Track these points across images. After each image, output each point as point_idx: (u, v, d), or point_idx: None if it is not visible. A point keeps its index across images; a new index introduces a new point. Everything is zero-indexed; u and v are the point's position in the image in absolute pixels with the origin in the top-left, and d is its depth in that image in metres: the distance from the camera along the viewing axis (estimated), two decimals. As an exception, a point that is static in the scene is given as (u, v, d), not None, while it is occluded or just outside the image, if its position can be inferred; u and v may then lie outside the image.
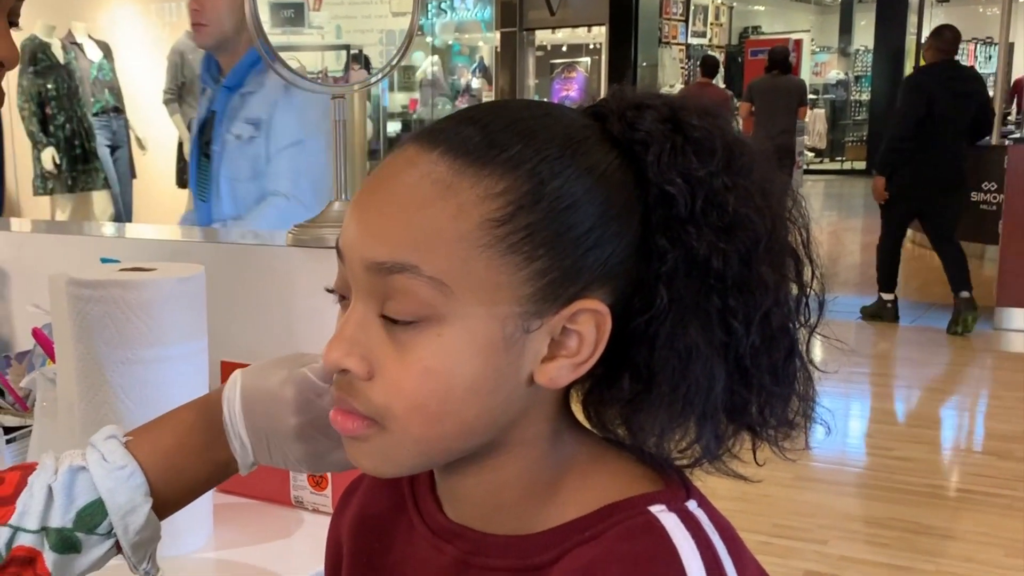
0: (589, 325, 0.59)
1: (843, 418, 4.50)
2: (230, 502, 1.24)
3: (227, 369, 1.34)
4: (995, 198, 7.17)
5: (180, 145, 6.51)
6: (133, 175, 6.80)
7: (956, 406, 4.59)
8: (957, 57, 5.74)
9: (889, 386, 4.84)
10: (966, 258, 5.55)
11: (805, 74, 14.00)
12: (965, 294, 5.49)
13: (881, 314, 5.87)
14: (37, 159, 6.04)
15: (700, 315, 0.59)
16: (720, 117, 0.63)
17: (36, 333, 1.39)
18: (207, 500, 1.17)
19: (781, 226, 0.62)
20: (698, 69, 9.96)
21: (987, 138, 6.97)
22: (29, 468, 0.69)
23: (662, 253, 0.60)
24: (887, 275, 5.86)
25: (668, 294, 0.59)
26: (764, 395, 0.62)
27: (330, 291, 0.64)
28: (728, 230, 0.59)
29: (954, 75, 5.44)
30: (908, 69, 13.74)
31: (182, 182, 6.61)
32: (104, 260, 1.37)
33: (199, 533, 1.16)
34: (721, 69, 9.70)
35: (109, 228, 2.15)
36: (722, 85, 10.50)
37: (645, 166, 0.60)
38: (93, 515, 0.68)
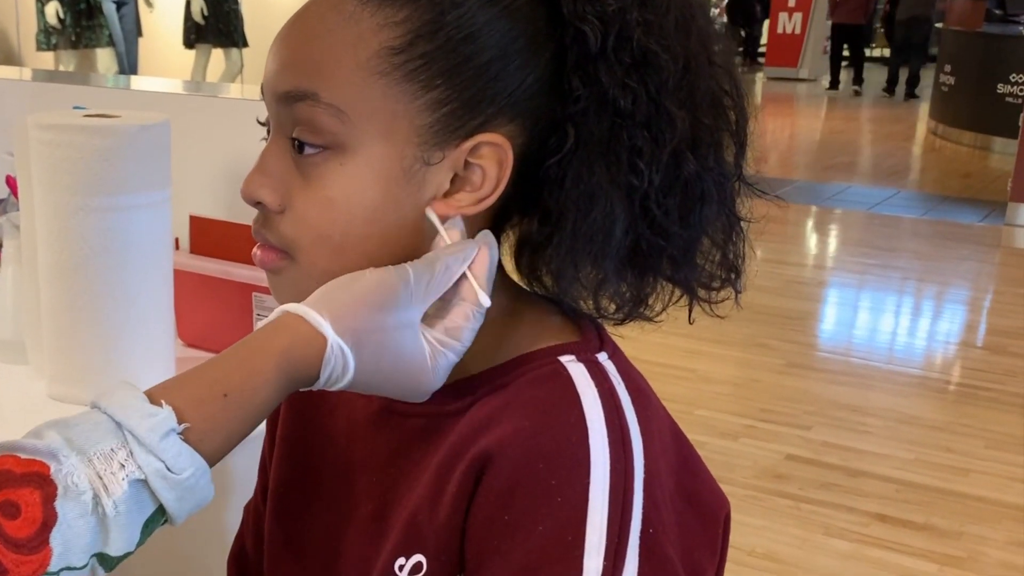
0: (491, 160, 0.59)
1: (841, 307, 4.51)
2: (192, 356, 1.24)
3: (196, 224, 1.33)
4: (1022, 91, 7.08)
5: (188, 3, 6.36)
6: (139, 33, 6.65)
7: (958, 300, 4.58)
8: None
9: (891, 278, 4.82)
10: None
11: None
12: None
13: None
14: (41, 13, 5.89)
15: (608, 155, 0.59)
16: None
17: (9, 181, 1.38)
18: (170, 352, 1.17)
19: (698, 69, 0.60)
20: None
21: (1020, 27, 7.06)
22: (45, 483, 0.51)
23: (575, 93, 0.59)
24: None
25: (576, 134, 0.59)
26: (674, 242, 0.61)
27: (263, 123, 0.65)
28: (637, 67, 0.58)
29: None
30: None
31: (188, 42, 6.49)
32: (76, 108, 1.35)
33: (160, 383, 1.16)
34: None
35: (87, 78, 2.11)
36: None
37: (561, 3, 0.59)
38: (154, 521, 0.54)
